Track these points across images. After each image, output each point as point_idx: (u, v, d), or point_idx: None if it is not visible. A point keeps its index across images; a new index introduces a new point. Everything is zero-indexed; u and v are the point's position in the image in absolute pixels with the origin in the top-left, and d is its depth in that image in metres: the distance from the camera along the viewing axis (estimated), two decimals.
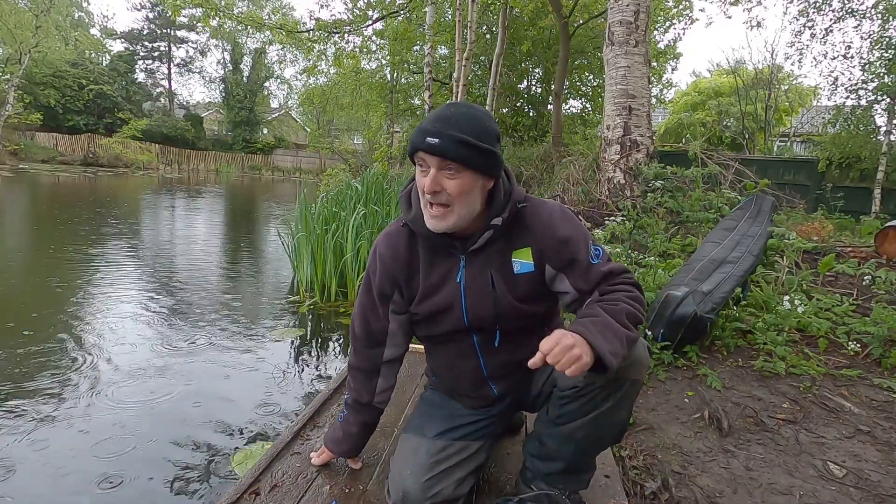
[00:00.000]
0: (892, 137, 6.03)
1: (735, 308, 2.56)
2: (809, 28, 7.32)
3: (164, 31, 34.61)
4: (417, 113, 14.03)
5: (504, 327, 1.16)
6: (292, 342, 3.40)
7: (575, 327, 0.97)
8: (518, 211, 1.12)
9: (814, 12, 7.21)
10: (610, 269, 1.09)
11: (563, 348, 0.89)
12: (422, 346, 1.36)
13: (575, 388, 1.08)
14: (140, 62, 34.24)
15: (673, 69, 19.32)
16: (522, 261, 1.12)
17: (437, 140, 0.99)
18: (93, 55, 30.03)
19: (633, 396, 1.14)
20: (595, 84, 12.12)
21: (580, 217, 4.49)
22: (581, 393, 1.08)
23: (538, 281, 1.13)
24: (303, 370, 2.99)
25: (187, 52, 37.56)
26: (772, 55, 11.72)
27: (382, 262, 1.18)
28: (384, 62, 13.78)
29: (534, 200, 1.15)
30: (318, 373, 2.97)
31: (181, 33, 35.03)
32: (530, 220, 1.12)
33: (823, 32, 7.16)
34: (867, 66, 6.45)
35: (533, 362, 0.91)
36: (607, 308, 1.01)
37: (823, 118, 8.50)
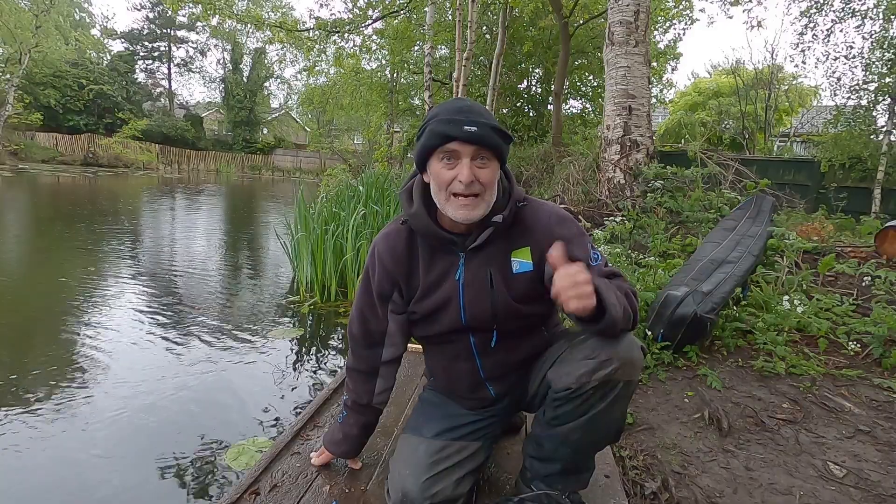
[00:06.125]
0: (893, 138, 6.02)
1: (735, 308, 2.56)
2: (812, 29, 7.31)
3: (164, 31, 34.57)
4: (417, 113, 14.02)
5: (501, 328, 1.16)
6: (292, 342, 3.40)
7: None
8: (518, 210, 1.12)
9: (815, 13, 7.20)
10: (608, 272, 1.09)
11: (579, 281, 0.90)
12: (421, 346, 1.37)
13: (568, 390, 1.08)
14: (140, 62, 34.22)
15: (673, 69, 19.37)
16: (521, 260, 1.12)
17: (475, 128, 0.99)
18: (93, 55, 30.00)
19: (628, 397, 1.14)
20: (595, 84, 12.11)
21: (580, 217, 4.49)
22: (575, 395, 1.08)
23: (537, 281, 1.13)
24: (302, 370, 2.98)
25: (187, 52, 37.49)
26: (772, 55, 11.74)
27: (381, 262, 1.18)
28: (384, 62, 13.78)
29: (533, 201, 1.16)
30: (317, 373, 2.97)
31: (181, 33, 35.02)
32: (530, 220, 1.13)
33: (825, 33, 7.15)
34: (868, 66, 6.44)
35: (550, 255, 0.94)
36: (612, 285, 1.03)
37: (824, 118, 8.49)
